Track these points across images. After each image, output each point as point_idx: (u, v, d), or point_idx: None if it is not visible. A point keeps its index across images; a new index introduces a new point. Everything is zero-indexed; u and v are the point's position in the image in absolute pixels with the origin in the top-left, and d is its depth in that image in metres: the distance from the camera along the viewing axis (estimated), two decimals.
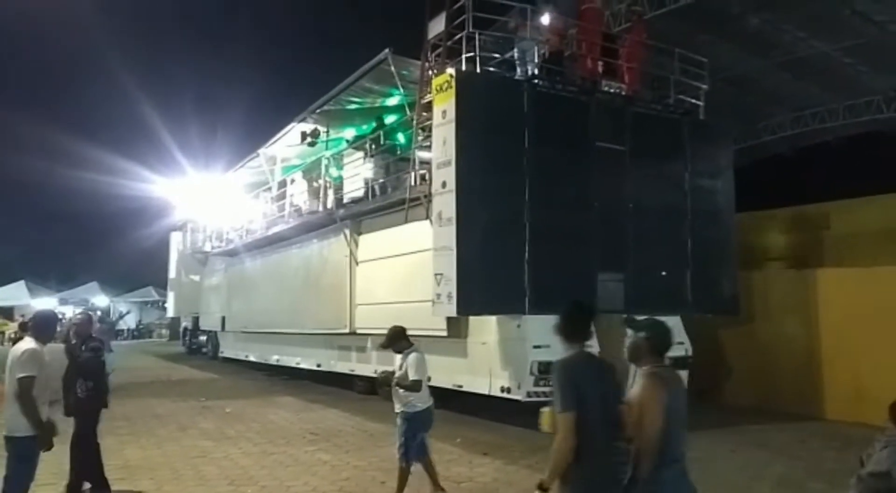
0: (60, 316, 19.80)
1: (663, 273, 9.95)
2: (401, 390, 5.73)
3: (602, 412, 3.13)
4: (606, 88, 9.87)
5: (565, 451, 3.04)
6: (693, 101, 10.84)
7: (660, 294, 9.72)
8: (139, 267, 38.82)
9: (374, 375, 11.84)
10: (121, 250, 40.82)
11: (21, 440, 4.40)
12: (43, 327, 4.74)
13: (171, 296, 26.00)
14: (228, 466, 7.29)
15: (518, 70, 9.39)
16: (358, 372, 12.86)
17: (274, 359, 16.27)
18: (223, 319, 19.90)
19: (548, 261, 8.77)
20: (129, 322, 40.32)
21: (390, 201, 11.46)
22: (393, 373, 6.01)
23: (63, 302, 36.68)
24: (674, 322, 9.94)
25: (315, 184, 14.97)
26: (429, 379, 6.05)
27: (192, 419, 10.37)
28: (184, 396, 12.88)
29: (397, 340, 5.93)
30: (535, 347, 8.53)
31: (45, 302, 32.25)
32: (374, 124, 13.37)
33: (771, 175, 18.97)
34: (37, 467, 4.55)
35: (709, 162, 10.89)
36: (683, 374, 9.68)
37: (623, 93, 10.01)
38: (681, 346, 9.80)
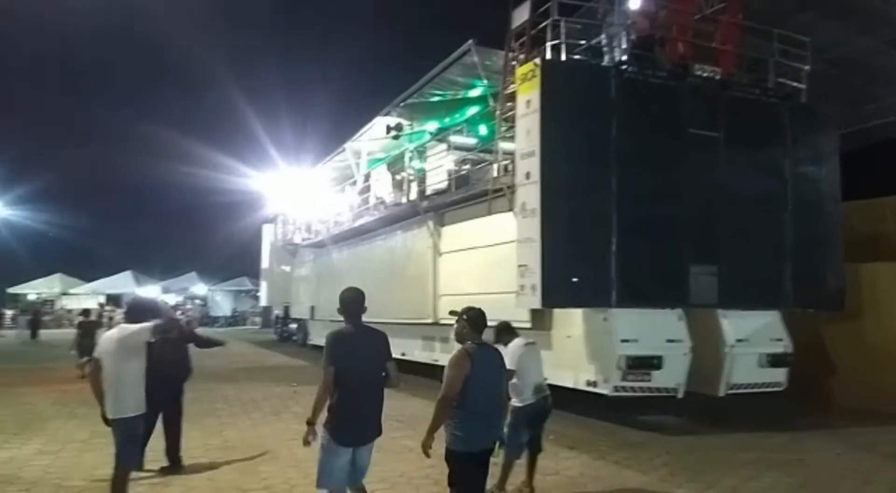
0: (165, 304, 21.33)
1: (760, 266, 9.44)
2: None
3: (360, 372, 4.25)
4: (699, 73, 9.46)
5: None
6: (794, 84, 10.21)
7: (757, 288, 9.27)
8: (234, 258, 40.88)
9: None
10: (218, 241, 43.08)
11: (127, 420, 4.79)
12: (136, 312, 5.13)
13: (263, 286, 27.21)
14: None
15: (605, 57, 9.15)
16: (441, 362, 12.97)
17: None
18: (312, 308, 20.61)
19: (636, 253, 8.54)
20: (225, 310, 42.43)
21: (473, 193, 11.49)
22: None
23: (165, 290, 39.08)
24: (772, 317, 9.48)
25: (399, 176, 15.22)
26: (545, 379, 6.02)
27: (284, 403, 10.81)
28: (276, 381, 13.44)
29: (501, 333, 5.94)
30: (623, 341, 8.34)
31: (150, 290, 34.46)
32: (456, 116, 13.43)
33: (880, 162, 17.63)
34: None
35: (811, 148, 10.24)
36: (781, 372, 9.25)
37: (717, 77, 9.56)
38: (779, 343, 9.34)
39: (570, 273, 8.39)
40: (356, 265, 17.07)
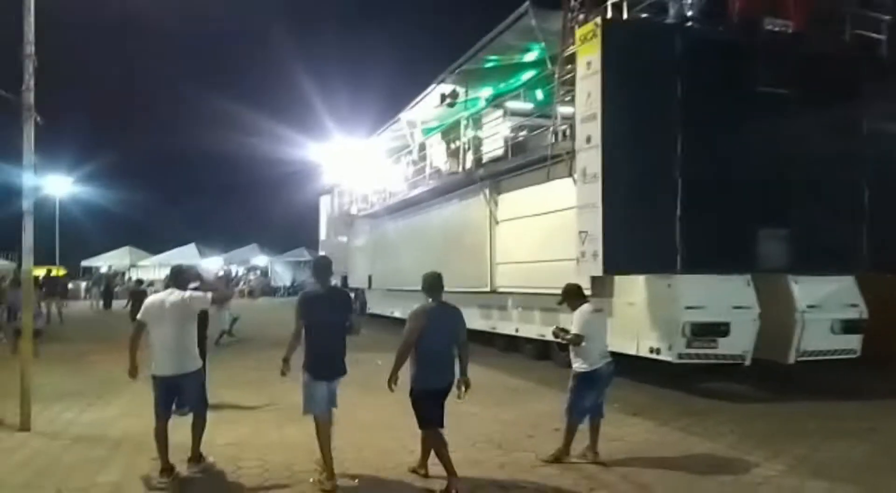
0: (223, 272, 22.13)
1: (834, 228, 9.02)
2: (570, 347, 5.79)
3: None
4: (770, 27, 8.97)
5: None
6: (873, 35, 9.58)
7: (830, 252, 8.89)
8: (293, 229, 41.85)
9: (548, 337, 11.45)
10: (277, 213, 44.18)
11: (174, 377, 5.38)
12: (179, 278, 5.71)
13: None
14: (382, 414, 7.71)
15: (670, 13, 8.78)
16: (499, 330, 13.03)
17: None
18: (369, 277, 20.92)
19: (702, 217, 8.28)
20: (285, 281, 43.56)
21: (531, 159, 11.32)
22: (564, 330, 6.00)
23: (228, 262, 40.40)
24: (846, 282, 9.10)
25: (454, 145, 15.14)
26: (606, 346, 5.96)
27: (348, 369, 11.07)
28: None
29: (570, 297, 5.93)
30: (688, 307, 8.17)
31: (213, 262, 35.68)
32: (512, 82, 13.20)
33: None
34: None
35: (892, 104, 9.63)
36: (855, 338, 8.90)
37: (789, 31, 9.05)
38: (854, 308, 8.98)
39: (632, 239, 8.22)
40: (412, 235, 17.18)
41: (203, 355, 6.02)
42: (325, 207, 26.08)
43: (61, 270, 34.81)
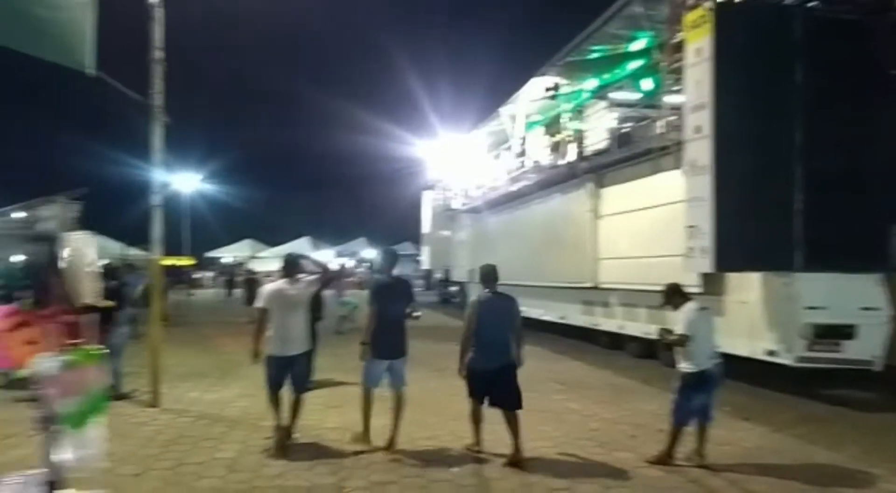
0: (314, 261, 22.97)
1: None
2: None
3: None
4: None
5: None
6: None
7: None
8: (399, 223, 42.94)
9: (653, 335, 11.37)
10: (384, 208, 45.54)
11: (289, 357, 5.91)
12: (289, 268, 6.19)
13: (425, 250, 28.32)
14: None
15: None
16: (602, 327, 12.76)
17: None
18: (471, 271, 21.08)
19: (824, 211, 7.73)
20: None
21: (636, 152, 10.99)
22: (668, 331, 5.82)
23: (339, 255, 42.04)
24: None
25: (556, 138, 14.94)
26: (716, 346, 5.69)
27: (446, 361, 11.25)
28: (437, 339, 13.98)
29: (672, 296, 5.76)
30: (809, 308, 7.65)
31: (324, 255, 37.23)
32: (617, 72, 12.84)
33: None
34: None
35: None
36: None
37: None
38: None
39: (745, 234, 7.79)
40: (513, 230, 17.14)
41: (314, 339, 6.44)
42: (429, 201, 26.58)
43: (189, 260, 37.64)
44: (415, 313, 6.23)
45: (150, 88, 7.70)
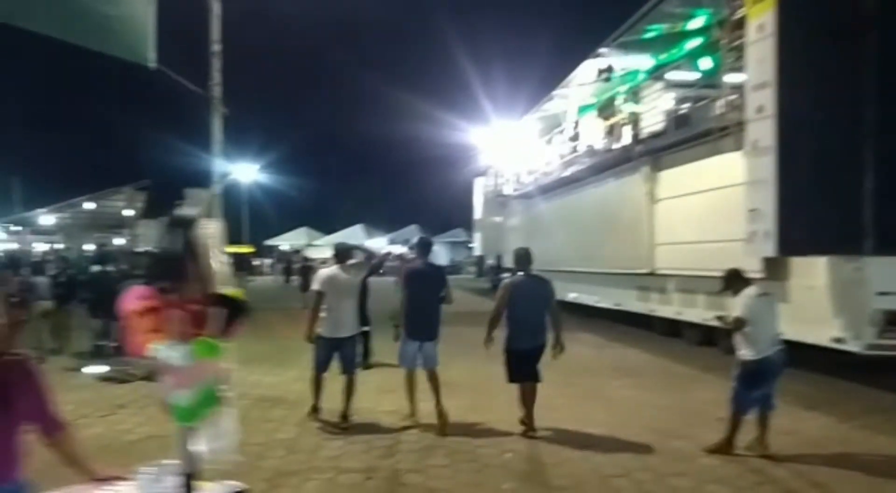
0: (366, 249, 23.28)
1: None
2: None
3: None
4: None
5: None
6: None
7: None
8: (450, 210, 43.06)
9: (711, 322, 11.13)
10: (436, 195, 45.72)
11: (342, 338, 6.37)
12: (341, 255, 6.67)
13: (476, 236, 28.34)
14: (543, 393, 7.79)
15: None
16: (658, 314, 12.50)
17: (571, 297, 16.69)
18: None
19: None
20: (442, 260, 44.95)
21: (694, 133, 10.66)
22: (725, 316, 5.68)
23: (391, 242, 42.47)
24: None
25: (610, 121, 14.65)
26: (779, 333, 5.51)
27: (496, 346, 11.26)
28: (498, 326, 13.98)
29: (732, 281, 5.61)
30: (881, 294, 7.30)
31: (377, 242, 37.68)
32: (673, 52, 12.46)
33: None
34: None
35: None
36: None
37: None
38: None
39: (810, 217, 7.48)
40: (567, 215, 16.93)
41: (365, 322, 6.62)
42: (480, 187, 26.51)
43: (248, 248, 38.75)
44: (447, 298, 6.57)
45: (209, 79, 7.91)
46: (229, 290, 2.66)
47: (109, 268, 9.27)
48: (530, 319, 5.95)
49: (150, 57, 7.42)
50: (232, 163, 33.89)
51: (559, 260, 17.10)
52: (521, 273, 6.17)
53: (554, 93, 16.98)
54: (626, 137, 13.26)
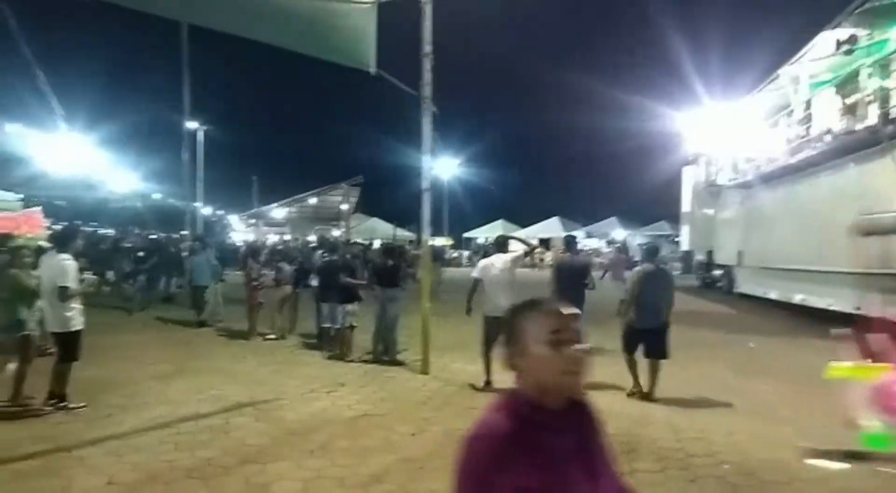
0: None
1: None
2: None
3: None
4: None
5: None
6: None
7: None
8: (652, 202, 40.99)
9: None
10: (636, 186, 43.90)
11: (493, 317, 7.21)
12: (501, 246, 8.00)
13: (684, 230, 26.55)
14: (754, 399, 7.11)
15: None
16: None
17: (798, 298, 14.90)
18: (739, 253, 19.27)
19: None
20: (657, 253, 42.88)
21: None
22: None
23: (588, 235, 41.58)
24: None
25: (851, 99, 12.79)
26: None
27: (713, 350, 10.48)
28: (698, 326, 13.01)
29: None
30: None
31: (577, 235, 37.04)
32: None
33: None
34: None
35: None
36: None
37: None
38: None
39: None
40: (793, 207, 15.17)
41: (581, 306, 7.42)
42: (689, 178, 24.79)
43: (448, 240, 40.38)
44: (590, 285, 8.16)
45: (419, 80, 8.26)
46: None
47: (334, 257, 10.14)
48: (654, 303, 7.02)
49: (372, 63, 7.96)
50: (435, 158, 35.54)
51: (783, 257, 15.40)
52: (650, 264, 7.24)
53: (781, 70, 15.26)
54: (873, 116, 11.49)
